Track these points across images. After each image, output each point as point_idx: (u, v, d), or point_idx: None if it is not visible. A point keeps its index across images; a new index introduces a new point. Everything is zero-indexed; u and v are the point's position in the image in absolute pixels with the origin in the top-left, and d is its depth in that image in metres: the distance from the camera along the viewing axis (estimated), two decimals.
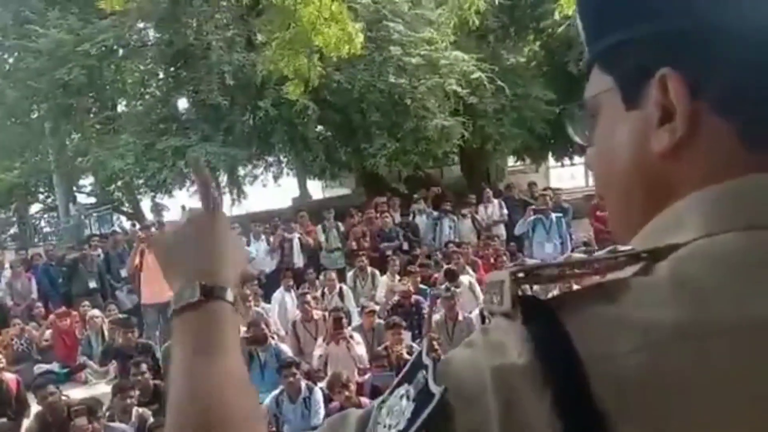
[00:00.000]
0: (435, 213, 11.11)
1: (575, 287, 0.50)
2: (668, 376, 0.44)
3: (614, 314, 0.47)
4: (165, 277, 0.77)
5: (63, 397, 5.59)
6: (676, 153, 0.54)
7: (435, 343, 5.96)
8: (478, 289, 7.73)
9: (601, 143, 0.60)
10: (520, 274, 0.49)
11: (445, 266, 8.19)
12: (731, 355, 0.45)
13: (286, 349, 6.51)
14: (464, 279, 7.98)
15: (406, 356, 6.17)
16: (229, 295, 0.71)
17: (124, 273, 9.39)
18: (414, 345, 6.45)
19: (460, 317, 6.96)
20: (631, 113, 0.56)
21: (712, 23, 0.52)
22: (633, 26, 0.56)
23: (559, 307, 0.48)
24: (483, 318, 6.92)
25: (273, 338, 6.78)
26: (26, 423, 5.81)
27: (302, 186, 18.95)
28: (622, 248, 0.51)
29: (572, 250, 8.71)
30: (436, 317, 7.08)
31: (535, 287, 0.50)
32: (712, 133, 0.53)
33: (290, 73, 7.92)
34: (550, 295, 0.49)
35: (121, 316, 8.28)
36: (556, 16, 9.80)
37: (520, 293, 0.48)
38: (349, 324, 7.13)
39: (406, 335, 6.71)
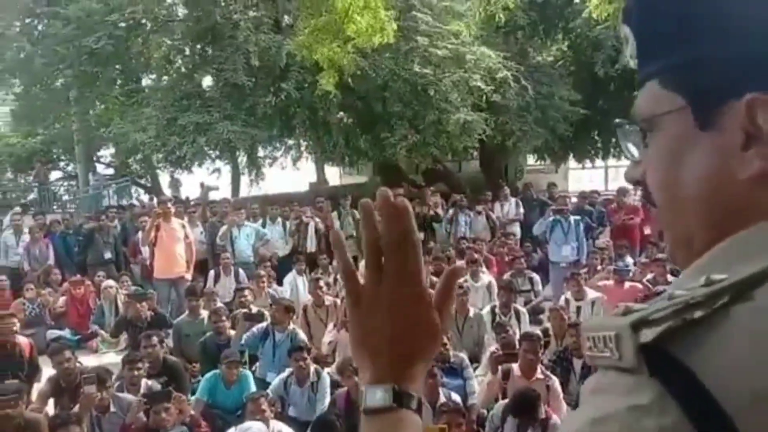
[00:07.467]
0: (449, 210, 11.05)
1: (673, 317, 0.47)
2: None
3: (737, 351, 0.45)
4: (355, 354, 0.72)
5: (78, 364, 5.66)
6: (764, 178, 0.53)
7: (445, 337, 5.97)
8: (495, 289, 7.72)
9: (665, 163, 0.58)
10: (643, 328, 0.46)
11: (467, 257, 8.16)
12: None
13: (302, 335, 6.52)
14: (484, 277, 7.97)
15: None
16: (415, 403, 0.68)
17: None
18: None
19: (471, 313, 6.96)
20: (705, 135, 0.55)
21: None
22: (705, 46, 0.54)
23: (683, 353, 0.46)
24: (494, 316, 6.92)
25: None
26: (38, 386, 5.88)
27: (320, 171, 18.97)
28: (715, 277, 0.48)
29: (588, 255, 8.64)
30: None
31: (648, 332, 0.46)
32: None
33: (325, 63, 7.80)
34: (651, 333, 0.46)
35: (134, 287, 8.37)
36: (585, 15, 9.69)
37: (642, 344, 0.46)
38: None
39: None
